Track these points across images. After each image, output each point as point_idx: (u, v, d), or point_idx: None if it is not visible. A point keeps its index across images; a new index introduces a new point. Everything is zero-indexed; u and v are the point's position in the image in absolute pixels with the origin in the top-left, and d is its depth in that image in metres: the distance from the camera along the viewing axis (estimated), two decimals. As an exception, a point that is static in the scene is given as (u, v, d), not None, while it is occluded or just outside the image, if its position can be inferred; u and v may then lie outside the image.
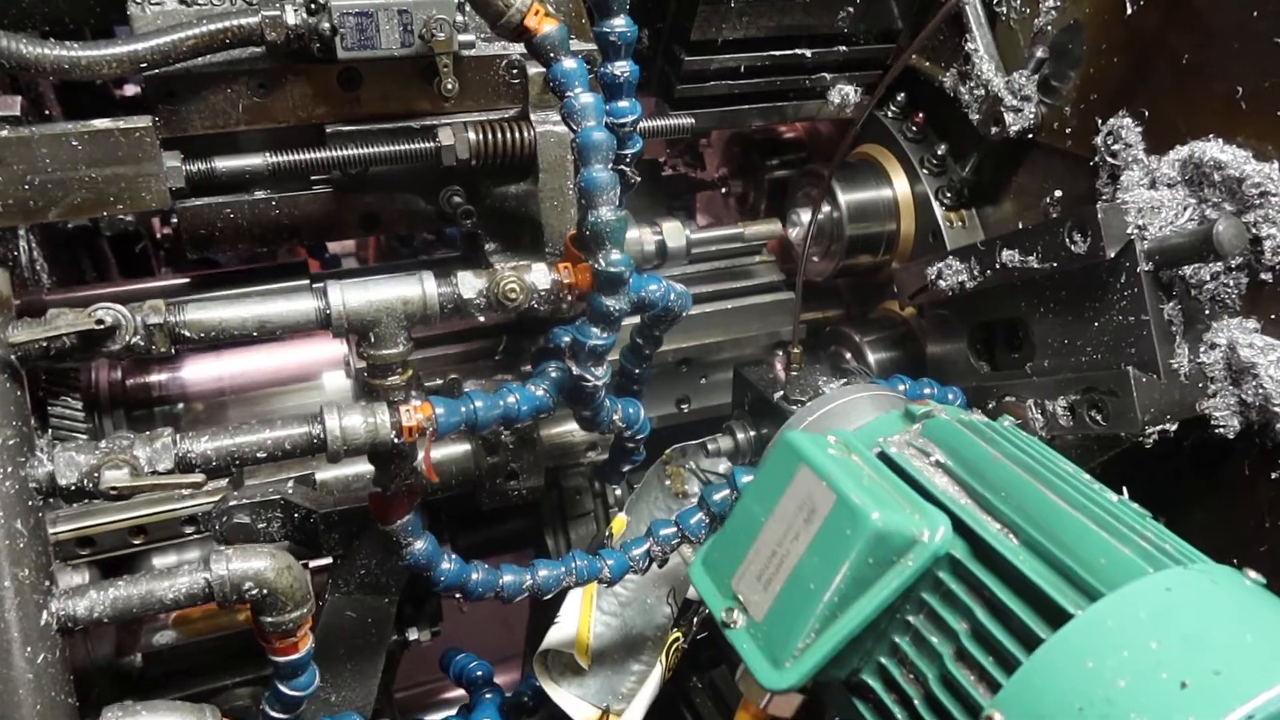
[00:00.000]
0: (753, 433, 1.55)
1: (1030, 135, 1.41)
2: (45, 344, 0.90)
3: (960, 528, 0.88)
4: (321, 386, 1.55)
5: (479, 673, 1.39)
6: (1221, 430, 1.17)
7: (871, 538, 0.83)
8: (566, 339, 1.22)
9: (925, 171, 1.59)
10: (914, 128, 1.61)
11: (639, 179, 1.17)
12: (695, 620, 1.44)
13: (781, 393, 1.42)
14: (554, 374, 1.14)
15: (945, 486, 0.95)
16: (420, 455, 1.04)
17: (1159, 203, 1.17)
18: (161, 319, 0.94)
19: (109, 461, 0.90)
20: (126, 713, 0.90)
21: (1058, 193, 1.34)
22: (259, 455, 0.97)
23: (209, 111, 1.21)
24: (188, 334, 0.95)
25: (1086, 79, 1.33)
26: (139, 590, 0.93)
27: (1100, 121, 1.30)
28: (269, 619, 0.97)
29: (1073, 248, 1.20)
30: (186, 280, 1.35)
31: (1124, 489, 0.99)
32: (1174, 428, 1.17)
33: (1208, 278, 1.17)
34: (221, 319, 0.96)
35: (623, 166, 1.14)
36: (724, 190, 1.94)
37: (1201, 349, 1.18)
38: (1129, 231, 1.16)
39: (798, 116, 1.64)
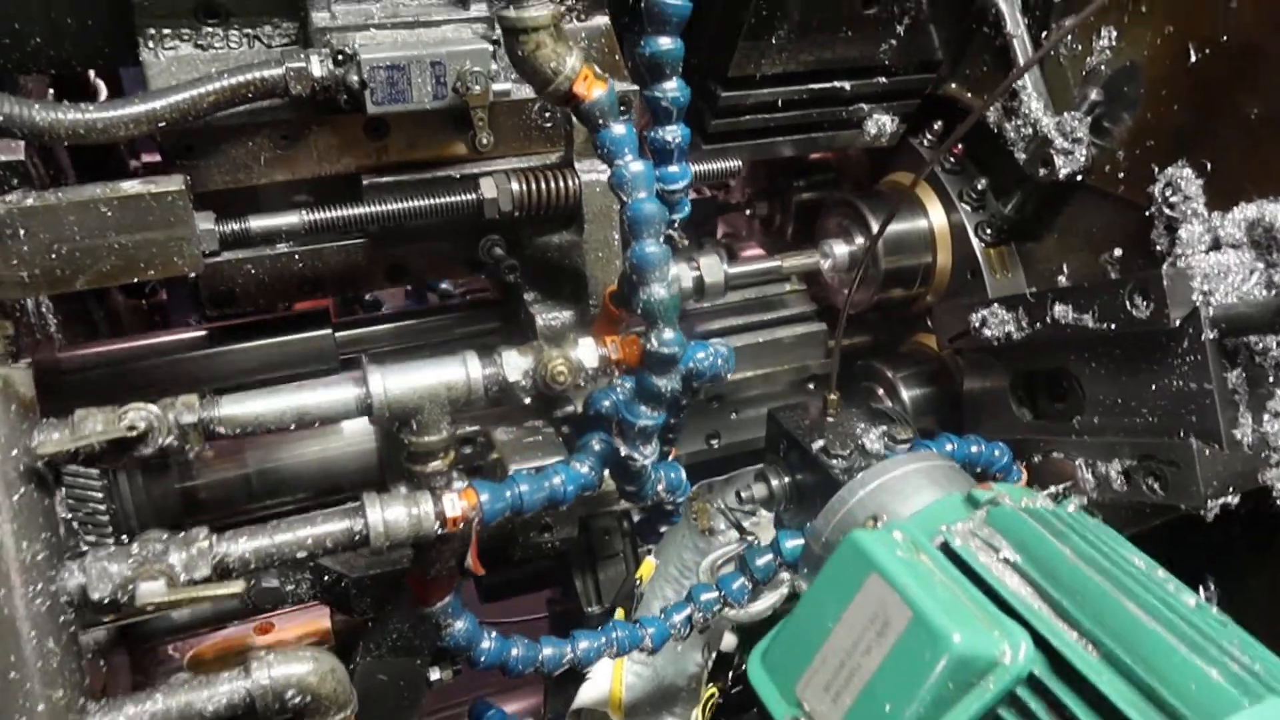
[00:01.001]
0: (787, 479, 1.52)
1: (1079, 177, 1.36)
2: (74, 450, 0.85)
3: (1038, 639, 0.85)
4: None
5: (511, 730, 1.36)
6: (1283, 501, 1.13)
7: (953, 661, 0.79)
8: (606, 403, 1.17)
9: (964, 204, 1.54)
10: (952, 158, 1.56)
11: (685, 242, 1.11)
12: (731, 675, 1.41)
13: (821, 443, 1.38)
14: (598, 447, 1.10)
15: (1018, 588, 0.91)
16: (468, 548, 0.99)
17: (1225, 267, 1.12)
18: (196, 417, 0.89)
19: (144, 573, 0.85)
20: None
21: (1118, 251, 1.29)
22: (299, 555, 0.93)
23: (229, 165, 1.15)
24: (223, 430, 0.90)
25: (1143, 124, 1.28)
26: (177, 702, 0.88)
27: (1157, 170, 1.25)
28: (313, 724, 0.94)
29: (1134, 311, 1.15)
30: (204, 332, 1.29)
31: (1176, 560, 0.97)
32: (1236, 500, 1.14)
33: (1274, 345, 1.13)
34: (258, 414, 0.91)
35: (670, 231, 1.09)
36: (749, 213, 1.89)
37: (1265, 417, 1.14)
38: (1194, 298, 1.12)
39: (832, 146, 1.59)
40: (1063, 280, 1.43)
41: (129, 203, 0.99)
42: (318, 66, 1.08)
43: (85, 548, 1.30)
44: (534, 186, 1.15)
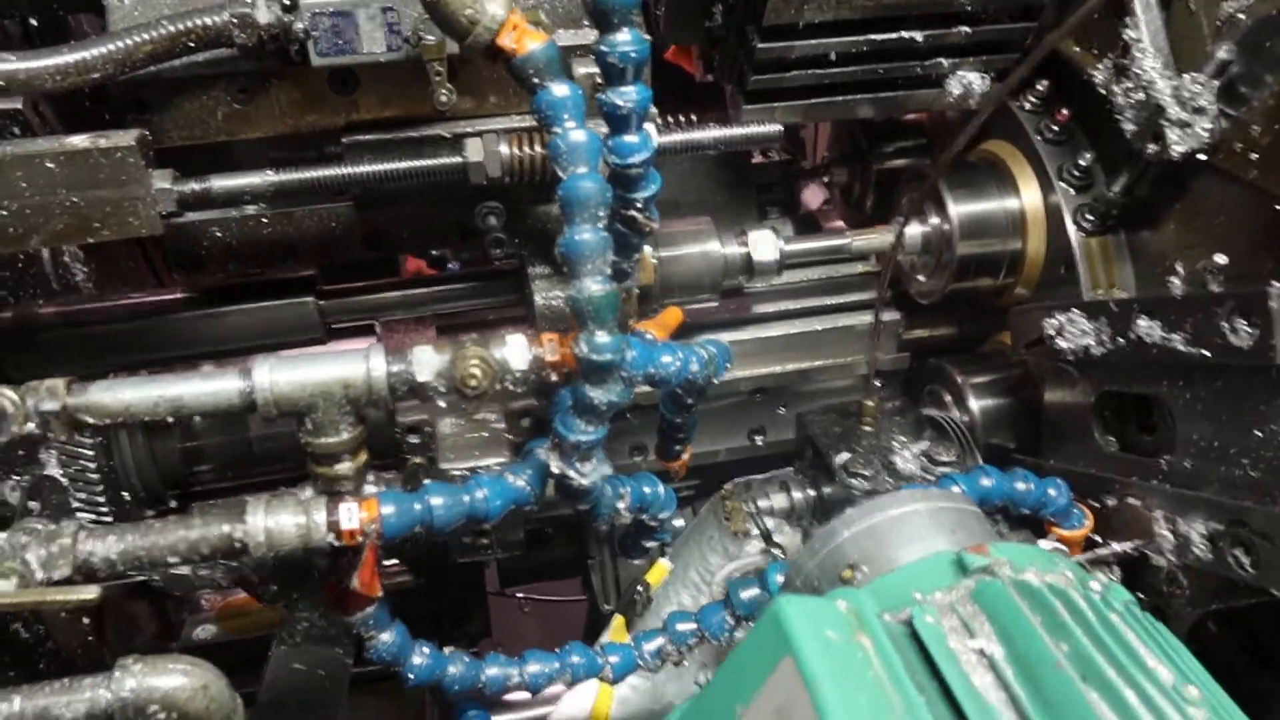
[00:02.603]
0: (812, 493, 1.33)
1: (1203, 156, 1.08)
2: (-80, 432, 0.79)
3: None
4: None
5: (485, 738, 1.26)
6: None
7: (853, 797, 0.62)
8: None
9: (1063, 184, 1.27)
10: (1055, 127, 1.29)
11: (656, 224, 0.94)
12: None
13: (847, 457, 1.19)
14: (541, 457, 0.96)
15: (986, 691, 0.71)
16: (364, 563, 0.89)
17: (1365, 288, 0.85)
18: (59, 404, 0.81)
19: (-5, 569, 0.79)
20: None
21: (1220, 259, 1.01)
22: (170, 560, 0.84)
23: (184, 121, 1.07)
24: (90, 420, 0.83)
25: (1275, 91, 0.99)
26: (34, 706, 0.82)
27: (1299, 151, 0.96)
28: (185, 738, 0.86)
29: (1231, 338, 0.89)
30: (180, 295, 1.23)
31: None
32: (1344, 589, 0.87)
33: None
34: (128, 404, 0.83)
35: (632, 212, 0.92)
36: (826, 180, 1.66)
37: (1403, 489, 0.86)
38: (1314, 327, 0.85)
39: (909, 108, 1.34)
40: (1176, 286, 1.16)
41: (77, 158, 0.93)
42: (264, 12, 0.97)
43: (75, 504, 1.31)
44: (528, 150, 1.00)
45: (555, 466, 0.90)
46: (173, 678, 0.84)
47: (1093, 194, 1.25)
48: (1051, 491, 1.08)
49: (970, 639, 0.75)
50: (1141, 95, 1.10)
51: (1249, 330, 0.88)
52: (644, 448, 1.42)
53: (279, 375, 0.84)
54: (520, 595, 1.70)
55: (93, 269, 1.47)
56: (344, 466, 0.90)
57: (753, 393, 1.48)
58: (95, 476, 1.31)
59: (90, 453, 1.30)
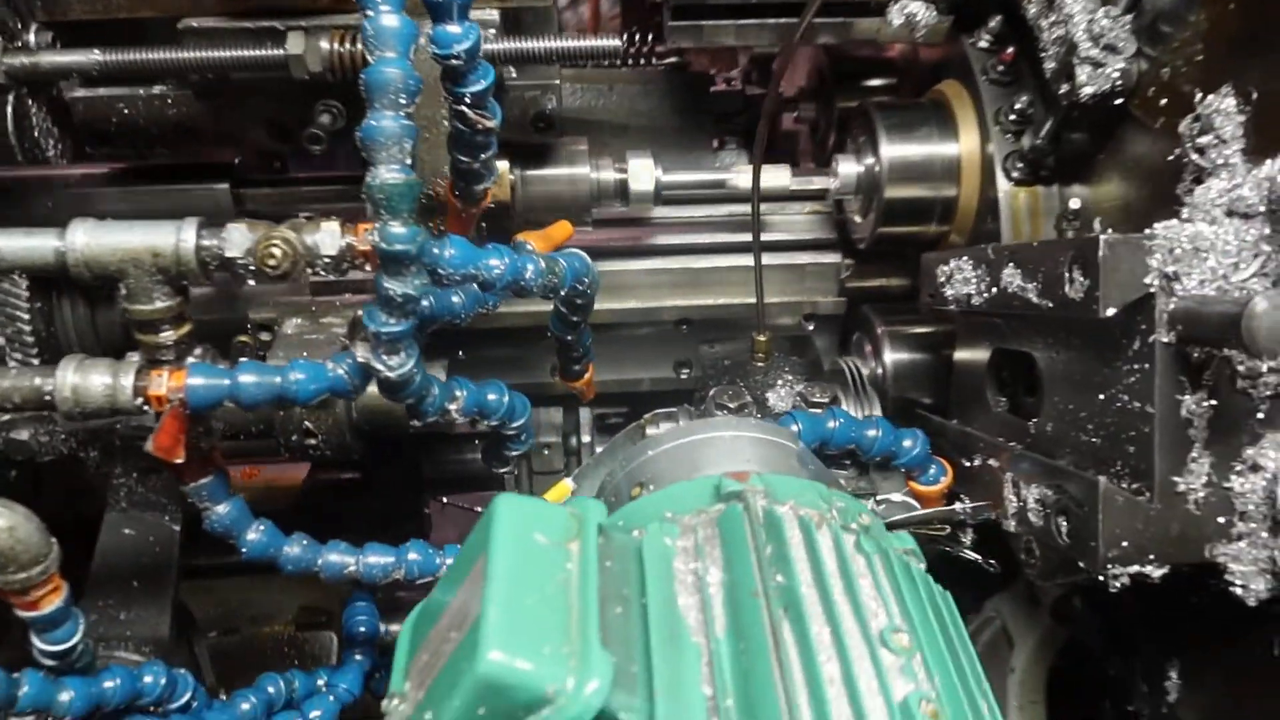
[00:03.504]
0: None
1: (1116, 101, 1.00)
2: None
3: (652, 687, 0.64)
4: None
5: (361, 629, 1.30)
6: (1239, 590, 0.79)
7: (479, 683, 0.61)
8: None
9: (998, 128, 1.19)
10: (1000, 67, 1.21)
11: (492, 122, 0.93)
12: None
13: (720, 388, 1.16)
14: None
15: (686, 611, 0.69)
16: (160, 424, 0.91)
17: (1210, 242, 0.77)
18: (-119, 244, 0.86)
19: None
20: None
21: (1074, 204, 0.93)
22: (-20, 402, 0.89)
23: (80, -5, 1.10)
24: (-85, 262, 0.87)
25: (1199, 29, 0.90)
26: None
27: (1200, 97, 0.88)
28: (-2, 575, 0.92)
29: (1067, 289, 0.83)
30: (105, 170, 1.28)
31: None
32: (1160, 572, 0.81)
33: (1264, 369, 0.77)
34: (-49, 250, 0.87)
35: (462, 107, 0.91)
36: (795, 116, 1.60)
37: (1235, 468, 0.79)
38: (1147, 281, 0.78)
39: (848, 36, 1.27)
40: (1088, 241, 1.08)
41: None
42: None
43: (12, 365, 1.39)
44: (355, 47, 0.99)
45: (361, 356, 0.90)
46: (-20, 515, 0.89)
47: (1024, 142, 1.17)
48: (907, 442, 1.03)
49: (695, 560, 0.73)
50: (1062, 30, 1.02)
51: (1083, 281, 0.81)
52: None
53: (92, 238, 0.87)
54: (446, 501, 1.73)
55: (55, 142, 1.54)
56: (165, 335, 0.92)
57: (677, 323, 1.45)
58: (30, 339, 1.38)
59: (26, 316, 1.38)
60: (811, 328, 1.46)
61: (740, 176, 1.29)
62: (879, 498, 1.05)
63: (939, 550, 1.05)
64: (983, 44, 1.24)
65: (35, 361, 1.37)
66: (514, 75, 1.19)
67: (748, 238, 1.44)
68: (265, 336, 1.19)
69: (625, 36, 1.38)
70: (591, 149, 1.31)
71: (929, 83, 1.35)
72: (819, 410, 1.10)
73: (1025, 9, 1.09)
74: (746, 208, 1.46)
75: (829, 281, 1.46)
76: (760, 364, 1.22)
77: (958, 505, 1.01)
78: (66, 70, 1.01)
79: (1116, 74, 0.97)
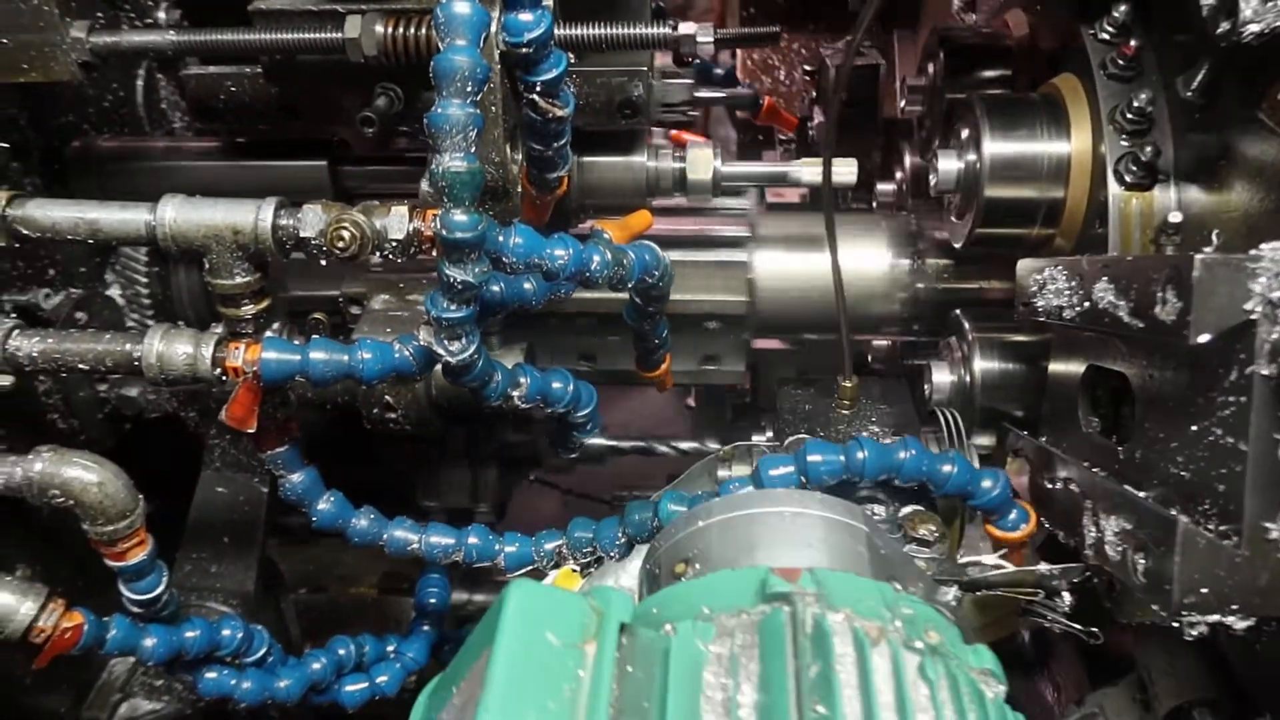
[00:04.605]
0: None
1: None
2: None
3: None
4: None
5: (432, 601, 1.33)
6: (1334, 652, 0.72)
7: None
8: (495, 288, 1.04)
9: (1112, 128, 1.11)
10: (1121, 60, 1.12)
11: (564, 111, 0.92)
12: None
13: (791, 439, 1.12)
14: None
15: None
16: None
17: (1325, 268, 0.69)
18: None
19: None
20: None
21: (1174, 216, 0.85)
22: (80, 366, 0.95)
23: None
24: (23, 230, 0.93)
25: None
26: (-38, 466, 0.96)
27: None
28: (88, 527, 0.98)
29: (1159, 310, 0.77)
30: (216, 144, 1.34)
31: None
32: (1244, 624, 0.74)
33: (1378, 411, 0.69)
34: (55, 220, 0.93)
35: (534, 96, 0.91)
36: (903, 105, 1.53)
37: (1340, 519, 0.72)
38: (1248, 308, 0.71)
39: None
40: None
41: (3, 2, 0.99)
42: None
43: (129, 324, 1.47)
44: (410, 31, 0.99)
45: (423, 339, 0.91)
46: (74, 469, 0.96)
47: (1142, 142, 1.08)
48: (986, 483, 0.97)
49: (727, 676, 0.64)
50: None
51: (1175, 302, 0.74)
52: (591, 355, 1.41)
53: (179, 214, 0.91)
54: (534, 478, 1.75)
55: (182, 115, 1.62)
56: (246, 309, 0.96)
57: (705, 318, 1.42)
58: (148, 301, 1.47)
59: (145, 279, 1.47)
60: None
61: (804, 170, 1.25)
62: (964, 559, 0.98)
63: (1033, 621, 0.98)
64: (1104, 35, 1.15)
65: (151, 321, 1.46)
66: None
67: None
68: (355, 310, 1.22)
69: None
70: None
71: (1045, 75, 1.27)
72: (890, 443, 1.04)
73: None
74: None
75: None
76: (844, 412, 1.17)
77: (1043, 566, 0.94)
78: (145, 49, 1.05)
79: (1291, 19, 0.86)
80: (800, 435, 1.13)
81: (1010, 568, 0.99)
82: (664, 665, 0.64)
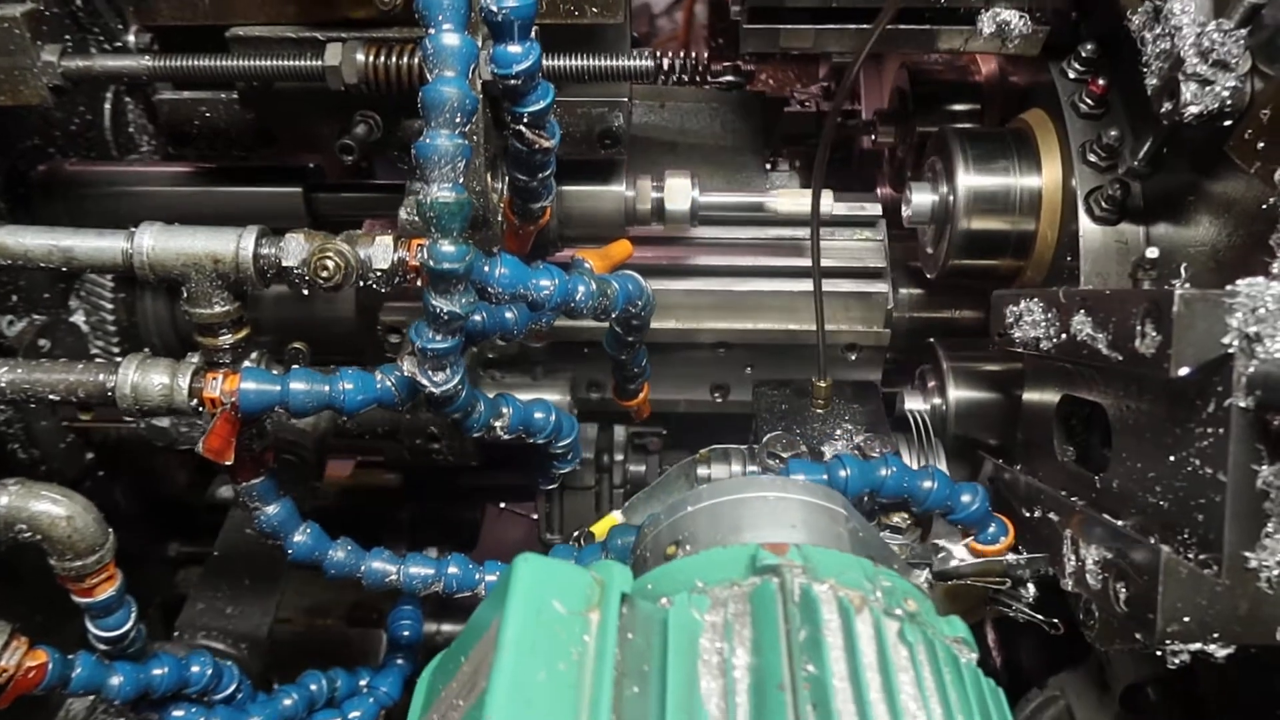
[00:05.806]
0: (753, 468, 1.27)
1: (1225, 122, 0.92)
2: None
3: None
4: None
5: (405, 634, 1.31)
6: (1312, 679, 0.73)
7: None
8: (478, 317, 1.04)
9: (1084, 164, 1.13)
10: (1089, 100, 1.15)
11: (550, 142, 0.92)
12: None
13: (773, 436, 1.13)
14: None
15: (708, 697, 0.64)
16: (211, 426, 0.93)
17: (1299, 304, 0.72)
18: (-34, 239, 0.90)
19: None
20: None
21: (1151, 253, 0.88)
22: (51, 397, 0.92)
23: (177, 2, 1.13)
24: (-6, 258, 0.91)
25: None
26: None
27: (1306, 137, 0.82)
28: (56, 563, 0.95)
29: (1138, 343, 0.78)
30: (189, 169, 1.32)
31: None
32: (1224, 652, 0.76)
33: (1352, 442, 0.71)
34: (27, 247, 0.90)
35: (520, 127, 0.91)
36: (872, 138, 1.56)
37: (1316, 548, 0.73)
38: (1225, 341, 0.73)
39: (933, 47, 1.21)
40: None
41: None
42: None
43: (94, 351, 1.44)
44: (392, 60, 0.99)
45: (406, 369, 0.91)
46: (42, 503, 0.93)
47: (1112, 177, 1.11)
48: (965, 497, 0.99)
49: (722, 640, 0.68)
50: (1168, 44, 0.95)
51: (1154, 335, 0.76)
52: (600, 384, 1.41)
53: (157, 241, 0.89)
54: (504, 507, 1.74)
55: (149, 139, 1.59)
56: (225, 338, 0.94)
57: (715, 346, 1.42)
58: (114, 329, 1.44)
59: (110, 306, 1.44)
60: (854, 358, 1.41)
61: (777, 200, 1.26)
62: (938, 543, 1.00)
63: (998, 610, 1.00)
64: (1072, 73, 1.18)
65: (116, 349, 1.43)
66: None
67: (801, 262, 1.41)
68: (394, 339, 1.21)
69: (677, 55, 1.37)
70: (641, 166, 1.30)
71: (1014, 110, 1.30)
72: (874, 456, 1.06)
73: (1129, 20, 1.03)
74: (790, 231, 1.42)
75: (871, 312, 1.40)
76: (819, 411, 1.18)
77: (1011, 556, 0.96)
78: (118, 74, 1.03)
79: (1226, 93, 0.89)
80: (777, 433, 1.13)
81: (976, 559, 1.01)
82: (662, 633, 0.68)
